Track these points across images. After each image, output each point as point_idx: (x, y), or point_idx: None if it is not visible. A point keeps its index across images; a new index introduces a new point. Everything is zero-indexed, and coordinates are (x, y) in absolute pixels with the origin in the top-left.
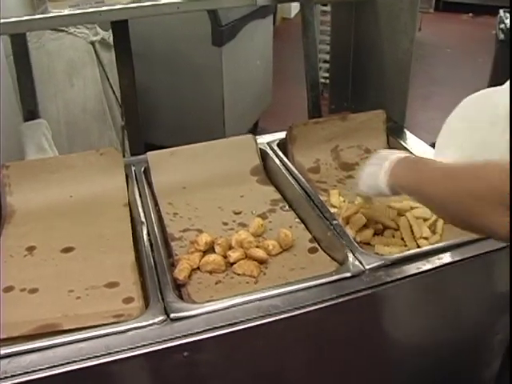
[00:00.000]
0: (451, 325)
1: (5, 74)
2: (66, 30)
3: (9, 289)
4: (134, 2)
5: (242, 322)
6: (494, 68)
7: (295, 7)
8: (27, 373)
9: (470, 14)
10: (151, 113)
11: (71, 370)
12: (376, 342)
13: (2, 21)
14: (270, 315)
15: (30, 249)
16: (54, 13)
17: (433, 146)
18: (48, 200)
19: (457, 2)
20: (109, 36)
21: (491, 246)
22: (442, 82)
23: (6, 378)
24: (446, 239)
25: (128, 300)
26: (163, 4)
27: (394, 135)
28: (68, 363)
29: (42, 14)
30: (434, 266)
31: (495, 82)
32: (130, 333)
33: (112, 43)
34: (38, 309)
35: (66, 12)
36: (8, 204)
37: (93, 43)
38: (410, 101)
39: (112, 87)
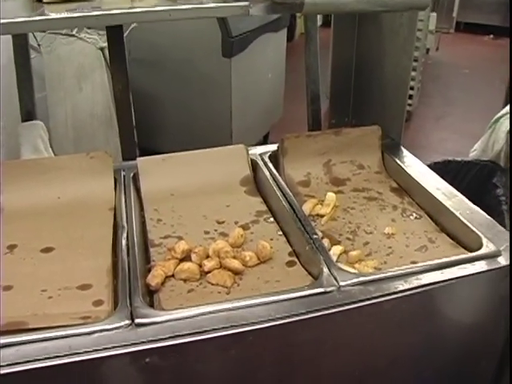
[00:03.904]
0: (427, 347)
1: (8, 74)
2: (76, 35)
3: None
4: (131, 8)
5: (207, 331)
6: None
7: None
8: None
9: (491, 36)
10: (159, 121)
11: (32, 369)
12: (344, 361)
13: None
14: (237, 326)
15: (11, 247)
16: (51, 16)
17: (430, 166)
18: (36, 200)
19: (478, 24)
20: None
21: (472, 270)
22: (457, 103)
23: None
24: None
25: (98, 303)
26: (156, 11)
27: (389, 152)
28: (29, 361)
29: (39, 16)
30: (411, 286)
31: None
32: (94, 335)
33: None
34: (9, 306)
35: (62, 15)
36: None
37: (102, 49)
38: (423, 121)
39: None
